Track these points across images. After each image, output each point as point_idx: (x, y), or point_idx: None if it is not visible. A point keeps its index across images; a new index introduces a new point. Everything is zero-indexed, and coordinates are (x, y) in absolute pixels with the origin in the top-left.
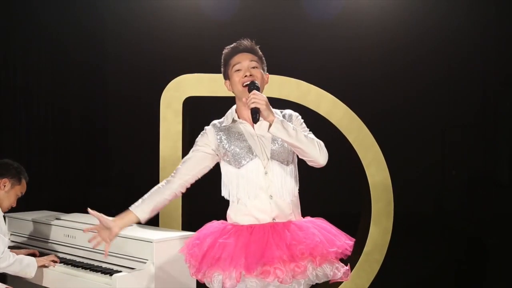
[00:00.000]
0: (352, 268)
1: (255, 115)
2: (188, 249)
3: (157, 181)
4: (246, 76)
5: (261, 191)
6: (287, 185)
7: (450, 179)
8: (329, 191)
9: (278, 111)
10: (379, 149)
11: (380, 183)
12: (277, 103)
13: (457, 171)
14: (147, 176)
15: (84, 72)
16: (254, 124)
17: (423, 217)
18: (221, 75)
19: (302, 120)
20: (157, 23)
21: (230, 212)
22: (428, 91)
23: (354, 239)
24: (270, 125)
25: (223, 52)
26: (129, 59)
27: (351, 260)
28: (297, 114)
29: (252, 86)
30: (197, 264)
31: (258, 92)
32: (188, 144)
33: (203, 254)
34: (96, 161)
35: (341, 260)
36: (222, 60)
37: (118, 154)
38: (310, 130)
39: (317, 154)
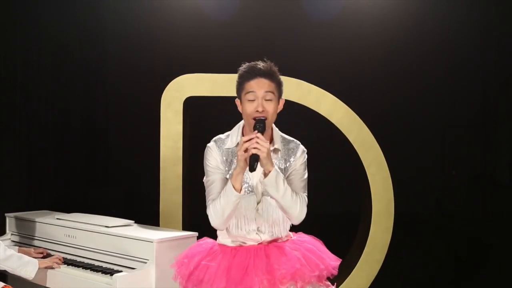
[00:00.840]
0: (352, 268)
1: (254, 162)
2: (177, 266)
3: (157, 182)
4: (257, 111)
5: (249, 225)
6: (278, 223)
7: (450, 179)
8: (329, 191)
9: (287, 137)
10: (380, 149)
11: (380, 183)
12: None
13: (457, 171)
14: (147, 176)
15: (84, 72)
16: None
17: (423, 217)
18: (221, 75)
19: (306, 158)
20: (157, 23)
21: (218, 233)
22: (428, 91)
23: (340, 260)
24: (265, 173)
25: (240, 69)
26: (129, 59)
27: (351, 260)
28: (303, 149)
29: (258, 126)
30: (184, 282)
31: (262, 137)
32: (188, 144)
33: (189, 274)
34: (96, 161)
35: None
36: (237, 78)
37: (118, 154)
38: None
39: (294, 215)
